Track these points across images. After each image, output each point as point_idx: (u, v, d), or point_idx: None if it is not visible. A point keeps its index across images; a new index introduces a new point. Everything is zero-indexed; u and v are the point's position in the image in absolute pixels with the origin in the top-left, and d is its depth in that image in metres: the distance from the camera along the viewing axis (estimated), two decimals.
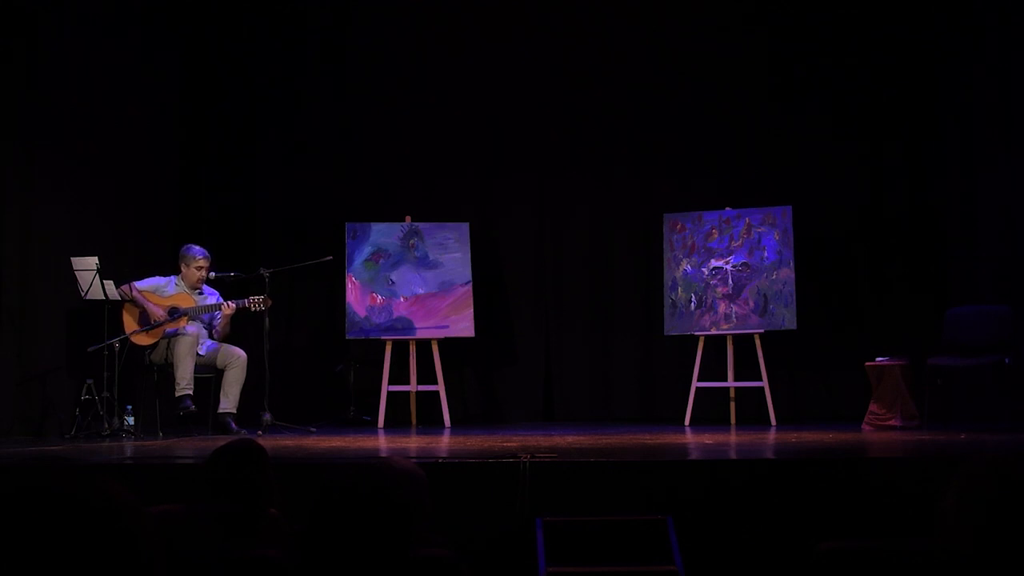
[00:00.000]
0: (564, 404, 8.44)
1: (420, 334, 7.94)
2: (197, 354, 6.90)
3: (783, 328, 7.64)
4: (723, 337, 7.84)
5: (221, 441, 3.06)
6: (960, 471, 1.87)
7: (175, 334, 6.93)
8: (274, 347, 7.33)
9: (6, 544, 1.08)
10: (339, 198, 8.44)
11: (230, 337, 7.14)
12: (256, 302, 7.01)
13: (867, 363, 7.09)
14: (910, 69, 8.20)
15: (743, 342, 7.75)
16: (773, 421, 7.50)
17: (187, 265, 7.10)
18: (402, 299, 8.00)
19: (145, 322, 6.95)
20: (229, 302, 7.01)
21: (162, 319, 6.91)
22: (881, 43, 8.25)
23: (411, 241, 8.08)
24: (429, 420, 7.95)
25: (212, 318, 7.22)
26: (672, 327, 7.98)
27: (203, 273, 7.10)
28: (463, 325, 7.97)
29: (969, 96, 7.97)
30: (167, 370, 6.92)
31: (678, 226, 8.05)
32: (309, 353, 8.45)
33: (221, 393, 6.91)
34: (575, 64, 8.56)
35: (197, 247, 7.16)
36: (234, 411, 6.89)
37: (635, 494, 4.52)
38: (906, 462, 4.89)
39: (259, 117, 8.57)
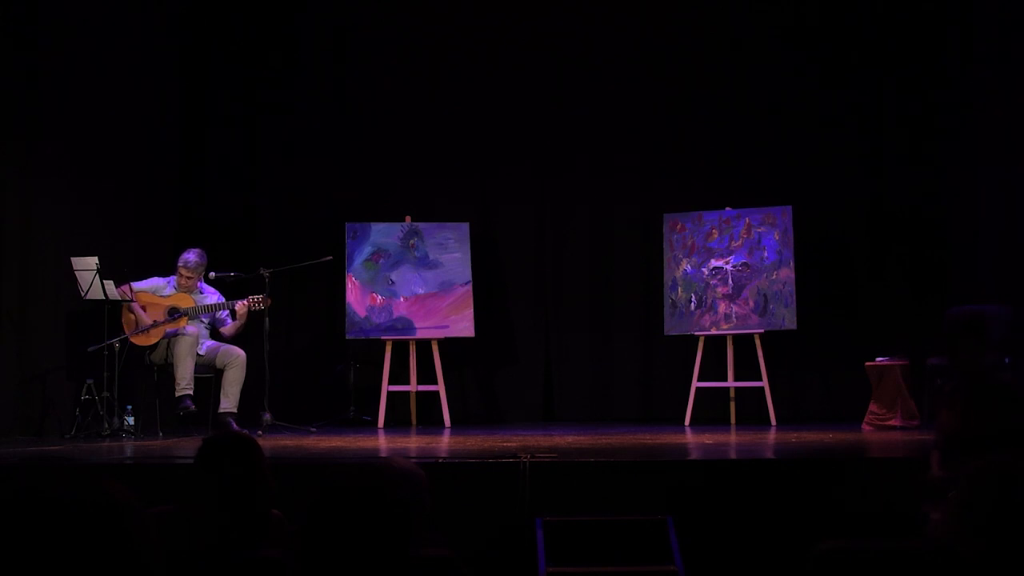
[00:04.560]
0: (564, 404, 8.44)
1: (420, 334, 7.94)
2: (197, 354, 6.91)
3: (783, 328, 7.64)
4: (723, 337, 7.84)
5: None
6: (960, 471, 1.87)
7: (175, 334, 6.93)
8: (274, 347, 7.33)
9: (6, 544, 1.08)
10: (339, 198, 8.44)
11: (232, 337, 7.14)
12: (256, 302, 7.01)
13: (867, 363, 7.09)
14: (910, 69, 8.20)
15: (743, 342, 7.74)
16: (773, 421, 7.50)
17: (176, 269, 7.10)
18: (402, 299, 8.00)
19: (145, 322, 6.95)
20: (240, 302, 6.99)
21: (148, 325, 6.89)
22: (881, 42, 8.25)
23: (411, 241, 8.08)
24: (429, 420, 7.95)
25: (213, 318, 7.22)
26: (672, 327, 7.98)
27: (184, 281, 7.05)
28: (463, 325, 7.97)
29: (969, 96, 7.97)
30: (167, 370, 6.92)
31: (678, 226, 8.05)
32: (309, 353, 8.45)
33: (221, 393, 6.90)
34: (575, 64, 8.56)
35: (187, 254, 7.07)
36: (234, 411, 6.88)
37: (635, 494, 4.52)
38: (906, 462, 4.89)
39: (259, 117, 8.57)
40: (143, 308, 7.00)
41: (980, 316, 3.94)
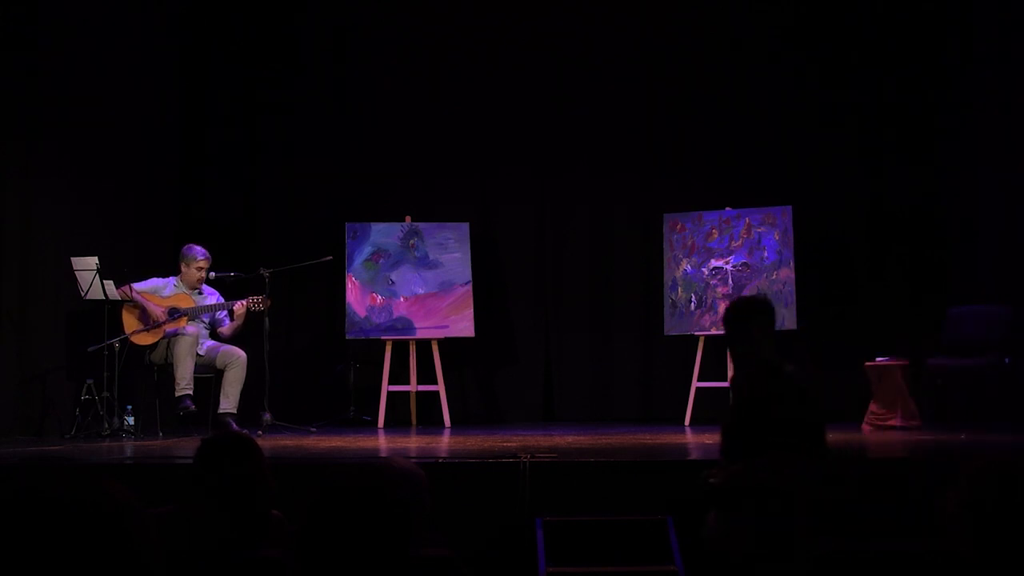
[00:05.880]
0: (564, 404, 8.43)
1: (420, 334, 7.94)
2: (197, 354, 6.91)
3: (783, 328, 7.62)
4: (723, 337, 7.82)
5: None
6: (960, 471, 1.87)
7: (175, 334, 6.93)
8: (274, 347, 7.33)
9: (6, 544, 1.08)
10: (339, 198, 8.44)
11: (231, 337, 7.14)
12: (256, 302, 7.01)
13: (867, 363, 7.08)
14: (910, 69, 8.20)
15: None
16: None
17: (187, 265, 7.10)
18: (402, 299, 8.00)
19: (146, 321, 6.95)
20: (239, 302, 7.00)
21: (162, 319, 6.91)
22: (881, 42, 8.25)
23: (411, 241, 8.08)
24: (429, 420, 7.95)
25: (213, 318, 7.22)
26: (672, 327, 7.98)
27: (203, 274, 7.10)
28: (463, 325, 7.97)
29: (969, 96, 7.97)
30: (167, 370, 6.92)
31: (678, 226, 8.05)
32: (309, 353, 8.45)
33: (221, 394, 6.90)
34: (575, 64, 8.56)
35: (198, 247, 7.16)
36: (234, 411, 6.87)
37: (635, 494, 4.52)
38: (906, 462, 4.89)
39: (259, 117, 8.57)
40: (144, 308, 6.99)
41: (763, 303, 3.86)
